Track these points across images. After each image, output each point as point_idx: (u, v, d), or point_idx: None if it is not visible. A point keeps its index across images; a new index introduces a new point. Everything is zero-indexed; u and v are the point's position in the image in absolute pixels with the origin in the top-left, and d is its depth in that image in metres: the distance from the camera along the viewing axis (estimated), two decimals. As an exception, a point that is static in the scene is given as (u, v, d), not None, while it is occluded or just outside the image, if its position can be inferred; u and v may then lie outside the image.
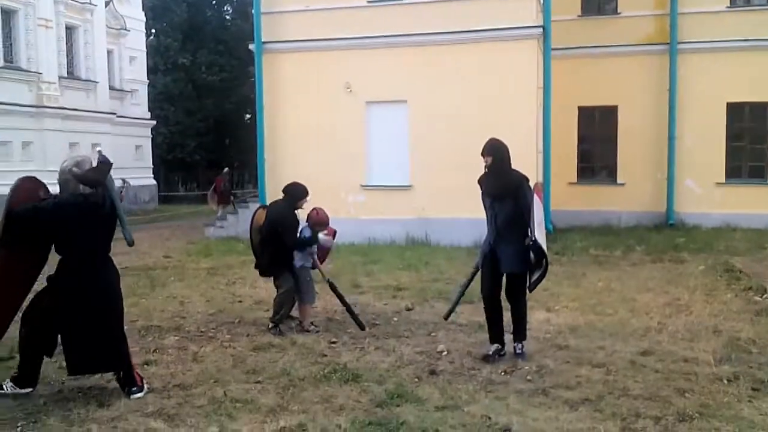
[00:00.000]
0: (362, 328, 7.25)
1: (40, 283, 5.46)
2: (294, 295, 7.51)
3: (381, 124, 15.32)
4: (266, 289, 9.90)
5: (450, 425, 4.63)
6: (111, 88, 26.96)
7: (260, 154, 16.04)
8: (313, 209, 7.49)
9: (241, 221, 16.91)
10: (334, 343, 6.85)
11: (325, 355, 6.42)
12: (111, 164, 5.32)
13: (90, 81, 25.32)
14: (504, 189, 5.98)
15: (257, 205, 16.09)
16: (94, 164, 5.30)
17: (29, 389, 5.35)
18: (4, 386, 5.33)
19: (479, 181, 6.17)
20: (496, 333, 6.24)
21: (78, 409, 5.00)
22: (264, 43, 15.77)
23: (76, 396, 5.29)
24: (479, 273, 6.26)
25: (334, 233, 7.73)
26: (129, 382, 5.32)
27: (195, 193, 35.14)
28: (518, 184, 6.00)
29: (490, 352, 6.12)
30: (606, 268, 11.07)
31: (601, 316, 7.76)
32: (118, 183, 5.98)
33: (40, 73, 22.65)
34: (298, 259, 7.39)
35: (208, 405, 5.06)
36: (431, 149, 14.63)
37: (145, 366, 6.10)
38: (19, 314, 5.42)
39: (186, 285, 10.40)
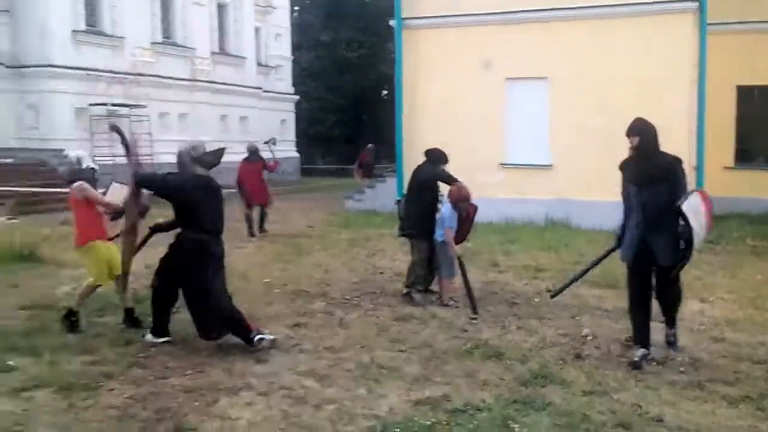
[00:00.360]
0: (475, 311, 7.08)
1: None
2: (427, 266, 7.69)
3: (521, 102, 15.00)
4: (405, 262, 10.06)
5: (598, 410, 4.53)
6: (258, 63, 28.19)
7: (398, 131, 16.21)
8: (454, 185, 7.51)
9: (379, 195, 17.28)
10: (474, 318, 6.87)
11: (466, 330, 6.46)
12: (224, 149, 5.93)
13: (239, 57, 26.61)
14: (655, 173, 5.38)
15: (394, 180, 16.52)
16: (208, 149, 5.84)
17: (166, 338, 5.85)
18: (145, 337, 5.89)
19: (621, 167, 5.62)
20: (644, 336, 5.58)
21: (237, 364, 5.36)
22: (404, 19, 15.85)
23: (235, 351, 5.67)
24: (627, 272, 5.65)
25: (474, 210, 7.70)
26: (248, 333, 5.66)
27: (334, 167, 36.18)
28: (672, 168, 5.45)
29: (637, 358, 5.46)
30: (765, 260, 10.31)
31: (761, 310, 7.25)
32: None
33: (194, 49, 24.08)
34: (440, 235, 7.45)
35: (356, 369, 5.26)
36: (574, 128, 14.17)
37: (296, 327, 6.43)
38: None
39: (329, 254, 10.78)
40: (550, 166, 14.66)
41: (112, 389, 4.76)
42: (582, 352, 5.79)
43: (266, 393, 4.76)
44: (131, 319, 6.36)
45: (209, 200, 5.67)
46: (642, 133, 5.44)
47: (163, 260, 5.89)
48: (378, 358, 5.52)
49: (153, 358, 5.44)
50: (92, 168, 6.38)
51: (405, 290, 7.71)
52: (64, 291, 7.72)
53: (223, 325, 5.71)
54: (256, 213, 12.95)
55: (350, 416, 4.37)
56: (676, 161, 5.52)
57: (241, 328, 5.71)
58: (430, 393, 4.79)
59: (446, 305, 7.36)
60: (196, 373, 5.14)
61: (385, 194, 16.77)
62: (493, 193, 14.50)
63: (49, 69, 19.44)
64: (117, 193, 6.50)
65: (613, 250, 5.86)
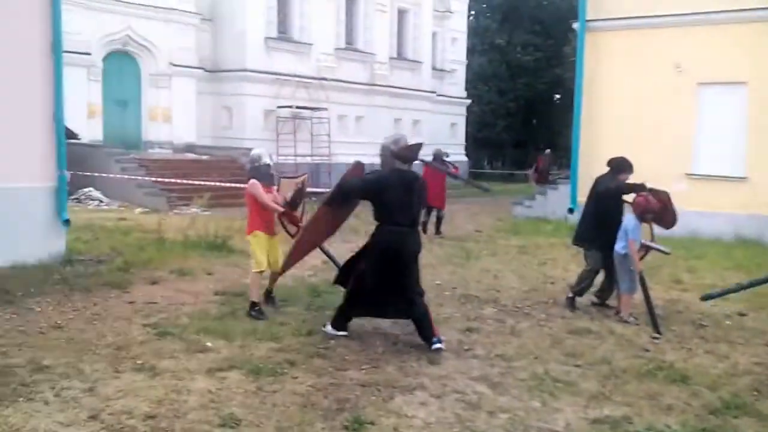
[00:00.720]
0: (658, 330, 6.66)
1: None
2: (607, 279, 7.52)
3: (714, 108, 13.97)
4: (578, 272, 9.77)
5: (801, 450, 4.13)
6: (433, 68, 28.59)
7: (575, 136, 15.70)
8: (641, 195, 7.15)
9: (549, 202, 16.87)
10: (656, 338, 6.50)
11: (647, 350, 6.12)
12: (421, 144, 6.07)
13: (415, 61, 27.15)
14: None
15: (566, 188, 16.02)
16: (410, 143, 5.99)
17: (344, 333, 6.07)
18: (325, 328, 6.16)
19: None
20: None
21: (411, 363, 5.48)
22: (588, 21, 15.32)
23: (409, 350, 5.80)
24: None
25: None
26: (431, 335, 5.77)
27: (500, 172, 35.86)
28: None
29: None
30: None
31: None
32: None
33: (374, 54, 24.91)
34: (622, 247, 7.13)
35: (529, 380, 5.18)
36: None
37: (467, 332, 6.44)
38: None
39: (498, 260, 10.70)
40: (745, 178, 13.52)
41: (295, 377, 5.04)
42: (781, 385, 5.30)
43: (440, 395, 4.82)
44: (267, 298, 7.06)
45: (405, 195, 5.79)
46: None
47: (359, 257, 6.13)
48: (552, 370, 5.40)
49: (332, 350, 5.70)
50: (267, 164, 6.91)
51: (570, 294, 7.65)
52: (252, 280, 8.30)
53: (413, 310, 5.86)
54: (432, 215, 13.42)
55: (525, 427, 4.32)
56: None
57: (428, 324, 5.84)
58: (609, 412, 4.60)
59: (625, 321, 7.03)
60: (372, 368, 5.31)
61: (557, 202, 16.33)
62: (678, 205, 13.61)
63: (244, 73, 21.02)
64: (285, 187, 7.11)
65: None
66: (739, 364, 5.79)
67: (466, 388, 4.99)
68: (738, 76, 13.68)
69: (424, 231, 12.88)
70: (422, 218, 12.66)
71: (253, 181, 6.80)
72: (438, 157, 13.63)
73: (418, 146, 6.00)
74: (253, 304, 6.70)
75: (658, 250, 7.34)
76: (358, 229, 9.97)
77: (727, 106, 13.83)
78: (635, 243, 7.04)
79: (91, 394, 4.51)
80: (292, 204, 6.79)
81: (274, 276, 7.03)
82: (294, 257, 6.66)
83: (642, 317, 7.11)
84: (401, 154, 5.85)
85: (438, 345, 5.73)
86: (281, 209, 6.79)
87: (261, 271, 6.82)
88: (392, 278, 5.83)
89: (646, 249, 7.31)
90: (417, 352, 5.74)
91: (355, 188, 6.07)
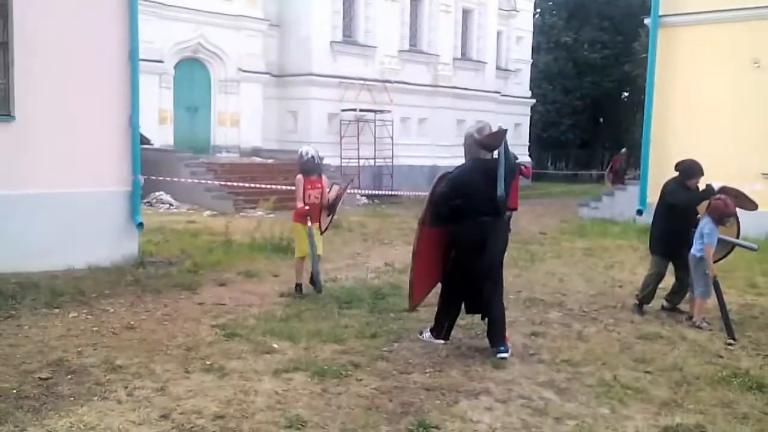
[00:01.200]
0: (732, 336, 6.41)
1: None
2: (680, 283, 7.36)
3: (793, 106, 13.35)
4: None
5: None
6: (497, 68, 28.30)
7: (646, 135, 15.25)
8: (718, 198, 6.89)
9: (617, 203, 16.45)
10: (731, 344, 6.26)
11: (721, 357, 5.91)
12: (506, 130, 5.87)
13: (480, 62, 26.92)
14: None
15: (635, 188, 15.57)
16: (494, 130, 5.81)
17: (442, 341, 5.99)
18: (422, 334, 6.12)
19: None
20: None
21: (476, 367, 5.44)
22: (661, 16, 14.87)
23: (473, 354, 5.76)
24: None
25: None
26: (500, 340, 5.68)
27: (564, 172, 35.18)
28: None
29: None
30: None
31: None
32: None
33: (438, 55, 24.83)
34: (697, 250, 6.89)
35: (597, 386, 5.06)
36: None
37: (532, 336, 6.35)
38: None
39: (563, 263, 10.50)
40: (827, 177, 12.87)
41: (360, 379, 5.07)
42: None
43: (505, 400, 4.76)
44: (312, 281, 7.61)
45: (488, 184, 5.55)
46: None
47: (450, 256, 5.91)
48: (621, 376, 5.26)
49: (396, 353, 5.71)
50: (312, 157, 7.68)
51: (635, 301, 7.50)
52: (317, 282, 8.40)
53: (491, 308, 5.76)
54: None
55: (593, 435, 4.22)
56: None
57: (501, 328, 5.76)
58: (681, 420, 4.45)
59: (698, 327, 6.78)
60: (436, 372, 5.29)
61: (624, 203, 15.91)
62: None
63: (309, 77, 21.30)
64: (333, 192, 7.86)
65: None
66: None
67: (532, 393, 4.92)
68: None
69: None
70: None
71: (298, 176, 7.64)
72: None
73: (503, 133, 5.75)
74: (297, 285, 7.66)
75: (746, 246, 7.15)
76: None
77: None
78: (711, 247, 6.79)
79: (162, 394, 4.65)
80: (330, 207, 7.78)
81: (301, 267, 7.67)
82: (417, 288, 6.10)
83: (715, 322, 6.85)
84: (484, 141, 5.71)
85: (503, 354, 5.62)
86: (300, 205, 7.52)
87: (302, 258, 7.63)
88: (475, 272, 5.70)
89: (731, 246, 7.10)
90: (481, 357, 5.69)
91: (444, 193, 5.79)
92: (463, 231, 5.71)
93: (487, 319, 5.89)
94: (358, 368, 5.30)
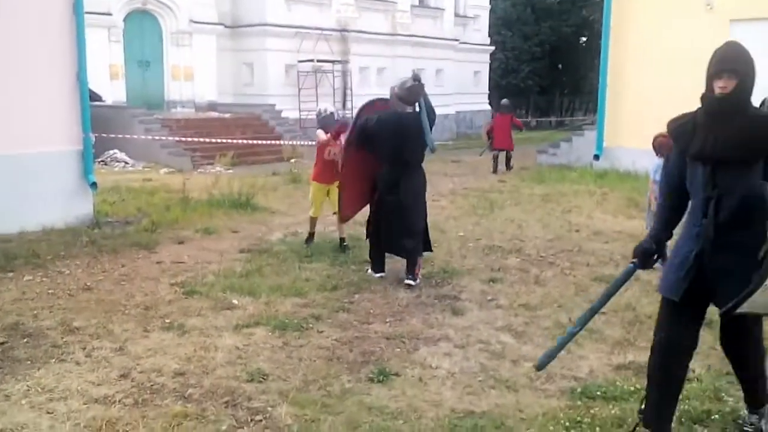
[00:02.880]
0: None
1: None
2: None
3: (747, 46, 13.49)
4: (604, 220, 9.71)
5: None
6: (455, 15, 28.01)
7: (602, 80, 15.35)
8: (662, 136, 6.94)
9: (574, 149, 16.64)
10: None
11: (673, 295, 6.08)
12: (422, 84, 6.23)
13: (437, 9, 26.61)
14: (748, 141, 3.06)
15: (592, 134, 15.76)
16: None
17: (381, 274, 6.56)
18: (367, 272, 6.65)
19: (674, 130, 3.32)
20: (667, 417, 3.47)
21: (435, 314, 5.52)
22: (615, -40, 14.82)
23: (433, 302, 5.84)
24: (663, 312, 3.43)
25: None
26: (410, 270, 6.27)
27: (525, 120, 35.28)
28: None
29: None
30: None
31: None
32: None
33: (395, 3, 24.45)
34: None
35: (553, 328, 5.19)
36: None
37: (491, 282, 6.45)
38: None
39: (522, 209, 10.62)
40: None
41: (321, 331, 5.11)
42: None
43: (464, 345, 4.86)
44: (341, 246, 7.61)
45: (399, 137, 6.13)
46: (744, 72, 3.09)
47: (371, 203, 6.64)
48: (576, 318, 5.38)
49: (357, 304, 5.76)
50: (331, 113, 7.68)
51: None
52: (277, 237, 8.38)
53: (407, 247, 6.34)
54: (502, 156, 16.01)
55: (548, 375, 4.33)
56: None
57: (412, 261, 6.30)
58: (633, 358, 4.61)
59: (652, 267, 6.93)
60: (396, 321, 5.36)
61: (582, 148, 16.10)
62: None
63: (264, 28, 20.80)
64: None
65: (633, 271, 3.47)
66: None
67: (490, 337, 5.02)
68: (771, 11, 13.19)
69: (495, 168, 15.65)
70: (494, 157, 15.84)
71: (318, 130, 7.65)
72: (506, 106, 16.79)
73: (417, 87, 6.13)
74: (309, 236, 7.84)
75: None
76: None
77: (761, 43, 13.35)
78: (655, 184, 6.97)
79: (121, 354, 4.63)
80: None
81: (341, 224, 7.57)
82: (346, 202, 6.83)
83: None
84: (401, 95, 6.16)
85: (408, 281, 6.21)
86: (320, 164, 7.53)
87: (314, 217, 7.77)
88: (390, 216, 6.30)
89: None
90: (441, 305, 5.77)
91: (359, 129, 6.39)
92: (378, 180, 6.39)
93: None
94: (319, 320, 5.34)
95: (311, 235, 7.86)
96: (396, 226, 6.30)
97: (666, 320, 3.40)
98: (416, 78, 6.16)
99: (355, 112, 7.22)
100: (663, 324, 3.42)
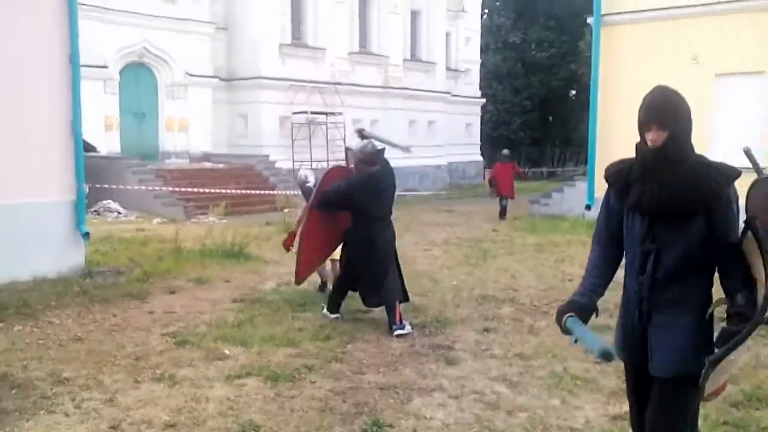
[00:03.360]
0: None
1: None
2: None
3: (732, 99, 13.84)
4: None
5: (827, 442, 4.06)
6: (447, 68, 28.54)
7: (591, 132, 15.58)
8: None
9: (566, 199, 16.77)
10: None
11: (668, 345, 6.06)
12: (383, 149, 6.68)
13: (429, 62, 27.13)
14: (690, 194, 2.76)
15: (583, 184, 15.92)
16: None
17: (336, 315, 6.76)
18: (323, 309, 6.88)
19: (614, 175, 2.98)
20: None
21: (429, 364, 5.47)
22: (603, 15, 15.22)
23: (426, 352, 5.79)
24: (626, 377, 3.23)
25: None
26: (393, 320, 6.34)
27: (517, 171, 35.56)
28: (719, 191, 2.76)
29: None
30: None
31: None
32: None
33: (388, 57, 24.92)
34: None
35: (548, 378, 5.15)
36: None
37: (485, 332, 6.42)
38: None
39: (515, 259, 10.64)
40: (763, 168, 13.31)
41: (314, 381, 5.06)
42: (805, 377, 5.22)
43: (458, 396, 4.80)
44: (321, 288, 7.95)
45: (372, 194, 6.46)
46: (676, 121, 2.75)
47: (344, 251, 6.84)
48: (571, 368, 5.35)
49: (350, 354, 5.71)
50: (309, 187, 7.74)
51: None
52: (270, 287, 8.35)
53: (384, 297, 6.49)
54: (506, 202, 16.70)
55: (544, 426, 4.29)
56: (731, 176, 2.77)
57: (392, 312, 6.38)
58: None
59: None
60: (390, 371, 5.31)
61: (574, 198, 16.23)
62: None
63: (259, 81, 21.11)
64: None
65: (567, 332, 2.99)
66: (762, 355, 5.70)
67: (485, 388, 4.97)
68: (756, 65, 13.53)
69: (502, 216, 16.41)
70: (501, 206, 16.69)
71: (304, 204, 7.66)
72: (507, 156, 17.68)
73: (379, 151, 6.61)
74: (321, 284, 8.08)
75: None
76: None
77: (746, 97, 13.69)
78: None
79: (111, 405, 4.55)
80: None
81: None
82: (303, 265, 6.83)
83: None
84: (363, 158, 6.55)
85: (398, 331, 6.24)
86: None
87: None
88: (369, 266, 6.48)
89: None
90: (435, 354, 5.73)
91: (339, 191, 6.55)
92: (357, 231, 6.59)
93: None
94: (312, 371, 5.28)
95: (323, 284, 8.01)
96: (374, 279, 6.51)
97: (630, 396, 3.18)
98: (360, 133, 7.03)
99: (344, 163, 7.38)
100: (628, 396, 3.21)
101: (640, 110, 2.81)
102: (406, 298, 6.81)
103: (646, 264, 2.84)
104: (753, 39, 13.39)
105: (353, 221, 6.65)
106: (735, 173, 2.77)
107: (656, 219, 2.81)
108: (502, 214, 16.58)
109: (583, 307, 2.96)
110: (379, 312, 6.68)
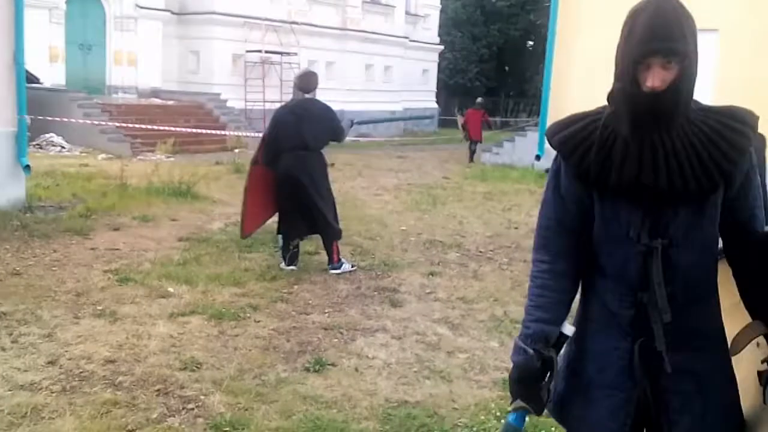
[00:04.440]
0: None
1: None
2: None
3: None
4: (543, 219, 9.89)
5: None
6: (406, 12, 28.11)
7: (546, 83, 15.64)
8: None
9: (517, 149, 16.94)
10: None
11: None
12: (312, 72, 6.75)
13: (388, 6, 26.65)
14: (715, 162, 1.76)
15: (534, 134, 16.08)
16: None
17: (292, 267, 6.43)
18: (281, 264, 6.51)
19: (573, 141, 1.87)
20: None
21: (374, 306, 5.55)
22: (562, -35, 15.14)
23: (372, 294, 5.87)
24: None
25: None
26: (330, 258, 6.40)
27: (453, 118, 35.68)
28: (745, 145, 1.79)
29: None
30: None
31: None
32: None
33: (346, -2, 24.39)
34: None
35: (488, 321, 5.28)
36: (745, 86, 13.02)
37: (430, 276, 6.52)
38: None
39: (464, 206, 10.76)
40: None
41: (258, 321, 5.08)
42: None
43: (401, 336, 4.89)
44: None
45: (297, 121, 6.20)
46: (687, 50, 1.74)
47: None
48: (511, 312, 5.49)
49: (296, 295, 5.74)
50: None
51: None
52: (218, 226, 8.27)
53: (317, 227, 6.40)
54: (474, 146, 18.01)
55: (482, 366, 4.41)
56: (749, 118, 1.82)
57: (329, 248, 6.40)
58: (564, 351, 4.72)
59: None
60: (335, 312, 5.37)
61: (524, 149, 16.40)
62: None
63: (212, 16, 20.44)
64: None
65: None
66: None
67: (427, 329, 5.07)
68: (709, 23, 13.68)
69: (471, 158, 17.64)
70: (470, 149, 17.99)
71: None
72: (480, 103, 18.96)
73: (309, 74, 6.56)
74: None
75: None
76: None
77: (704, 54, 13.88)
78: None
79: (49, 340, 4.49)
80: None
81: None
82: (248, 220, 6.58)
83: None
84: (297, 83, 6.44)
85: (333, 270, 6.32)
86: None
87: None
88: (295, 199, 6.25)
89: None
90: (380, 296, 5.80)
91: (268, 132, 6.39)
92: (278, 166, 6.25)
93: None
94: (257, 310, 5.29)
95: None
96: (302, 210, 6.29)
97: None
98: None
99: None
100: None
101: (628, 35, 1.78)
102: (338, 235, 6.57)
103: (649, 271, 1.78)
104: (707, -4, 13.55)
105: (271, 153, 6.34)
106: (754, 118, 1.82)
107: (657, 203, 1.78)
108: (471, 157, 17.75)
109: (531, 372, 1.87)
110: (324, 254, 6.67)
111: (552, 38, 15.44)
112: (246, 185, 6.49)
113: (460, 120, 19.73)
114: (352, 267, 6.48)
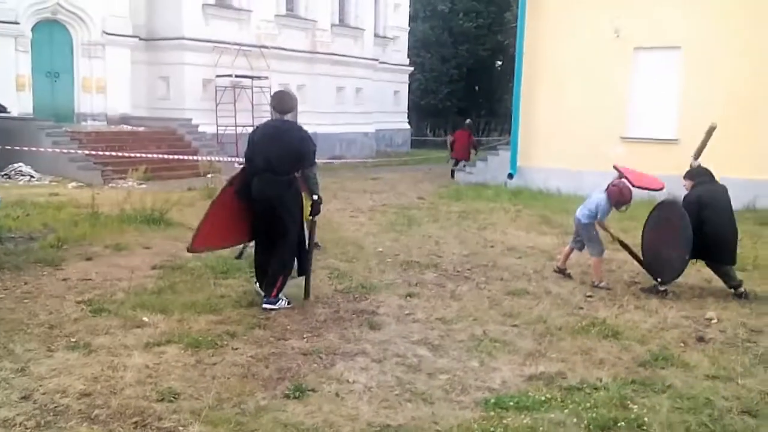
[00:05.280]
0: (656, 279, 6.92)
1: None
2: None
3: (649, 72, 14.36)
4: (517, 236, 9.97)
5: (722, 396, 4.34)
6: (375, 35, 28.32)
7: (516, 102, 15.88)
8: (613, 185, 7.17)
9: (490, 168, 17.08)
10: (590, 296, 6.71)
11: (582, 308, 6.32)
12: (285, 92, 6.49)
13: (358, 28, 26.83)
14: None
15: (507, 153, 16.22)
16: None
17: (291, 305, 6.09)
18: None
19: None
20: None
21: (353, 330, 5.51)
22: (529, -14, 15.43)
23: (350, 317, 5.83)
24: None
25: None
26: (268, 292, 5.97)
27: (443, 139, 35.93)
28: None
29: None
30: None
31: None
32: None
33: (315, 21, 24.50)
34: (584, 216, 7.26)
35: (468, 341, 5.28)
36: (706, 102, 13.34)
37: (408, 297, 6.51)
38: None
39: (439, 226, 10.80)
40: (676, 140, 13.92)
41: (236, 348, 5.01)
42: (705, 336, 5.56)
43: (380, 359, 4.87)
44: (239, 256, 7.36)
45: (269, 142, 5.93)
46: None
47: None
48: (490, 331, 5.51)
49: (273, 321, 5.68)
50: None
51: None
52: (191, 254, 8.16)
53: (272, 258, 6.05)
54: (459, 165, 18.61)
55: (463, 386, 4.40)
56: None
57: (272, 281, 5.97)
58: (544, 368, 4.74)
59: (597, 287, 7.03)
60: (314, 337, 5.32)
61: (497, 167, 16.55)
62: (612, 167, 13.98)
63: (181, 42, 20.38)
64: None
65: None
66: (668, 318, 6.03)
67: (407, 351, 5.05)
68: (672, 40, 14.03)
69: (452, 175, 18.49)
70: (453, 167, 18.70)
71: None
72: (468, 125, 20.03)
73: (282, 94, 6.36)
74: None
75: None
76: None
77: (662, 71, 14.22)
78: (602, 224, 7.30)
79: (22, 375, 4.38)
80: None
81: None
82: (201, 234, 6.07)
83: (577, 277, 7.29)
84: (271, 103, 6.32)
85: (265, 305, 5.90)
86: None
87: None
88: (262, 223, 6.02)
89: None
90: (358, 319, 5.77)
91: (246, 154, 6.13)
92: (252, 186, 5.95)
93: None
94: (234, 337, 5.23)
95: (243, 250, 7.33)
96: (271, 231, 6.01)
97: None
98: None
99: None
100: None
101: None
102: (301, 272, 6.28)
103: None
104: (671, 14, 13.88)
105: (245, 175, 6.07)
106: None
107: None
108: (452, 174, 18.58)
109: None
110: (304, 279, 6.63)
111: (520, 58, 15.70)
112: (213, 200, 6.22)
113: (449, 139, 20.35)
114: (288, 305, 6.02)
